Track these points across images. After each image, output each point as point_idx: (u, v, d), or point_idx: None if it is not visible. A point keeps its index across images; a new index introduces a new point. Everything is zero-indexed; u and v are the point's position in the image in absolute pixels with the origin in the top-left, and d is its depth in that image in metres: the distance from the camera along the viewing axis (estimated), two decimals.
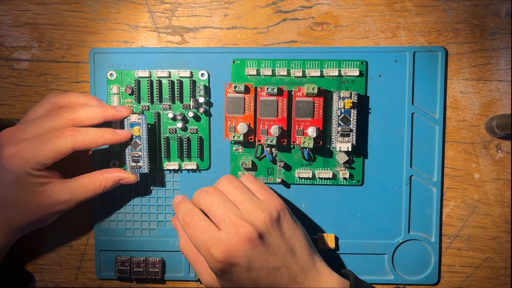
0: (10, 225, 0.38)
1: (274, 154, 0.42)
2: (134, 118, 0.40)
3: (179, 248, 0.40)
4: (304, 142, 0.40)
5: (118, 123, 0.41)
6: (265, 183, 0.43)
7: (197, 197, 0.38)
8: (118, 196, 0.43)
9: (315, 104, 0.40)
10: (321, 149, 0.42)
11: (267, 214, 0.36)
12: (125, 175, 0.40)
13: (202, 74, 0.42)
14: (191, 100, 0.42)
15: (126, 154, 0.40)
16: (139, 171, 0.41)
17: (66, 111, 0.38)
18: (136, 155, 0.40)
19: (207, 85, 0.42)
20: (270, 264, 0.35)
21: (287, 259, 0.36)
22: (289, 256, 0.36)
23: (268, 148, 0.42)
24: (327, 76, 0.41)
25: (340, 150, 0.41)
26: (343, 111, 0.40)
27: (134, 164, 0.40)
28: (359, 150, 0.42)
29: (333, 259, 0.43)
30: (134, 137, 0.40)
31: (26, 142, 0.37)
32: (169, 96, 0.42)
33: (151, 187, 0.43)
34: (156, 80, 0.42)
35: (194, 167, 0.42)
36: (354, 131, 0.40)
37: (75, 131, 0.37)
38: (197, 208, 0.38)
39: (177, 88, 0.42)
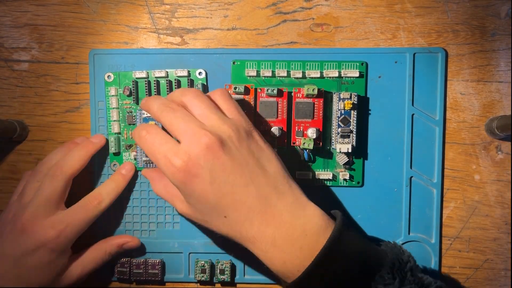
0: None
1: None
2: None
3: (154, 191, 0.39)
4: (304, 143, 0.40)
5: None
6: None
7: (159, 113, 0.35)
8: (117, 198, 0.43)
9: (315, 105, 0.40)
10: (321, 150, 0.42)
11: (233, 130, 0.33)
12: (128, 239, 0.42)
13: (199, 73, 0.42)
14: None
15: (139, 149, 0.41)
16: (152, 165, 0.41)
17: (58, 173, 0.39)
18: None
19: (205, 83, 0.42)
20: (236, 179, 0.32)
21: (256, 177, 0.33)
22: (259, 173, 0.33)
23: None
24: (327, 77, 0.41)
25: (340, 151, 0.41)
26: (343, 112, 0.40)
27: (146, 159, 0.41)
28: (359, 151, 0.42)
29: None
30: None
31: (63, 223, 0.38)
32: None
33: (151, 188, 0.43)
34: (154, 81, 0.42)
35: None
36: (354, 132, 0.40)
37: (100, 200, 0.40)
38: (153, 123, 0.37)
39: (175, 88, 0.42)
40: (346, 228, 0.33)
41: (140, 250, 0.43)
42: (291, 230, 0.32)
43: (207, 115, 0.34)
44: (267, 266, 0.34)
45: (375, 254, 0.34)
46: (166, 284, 0.44)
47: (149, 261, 0.43)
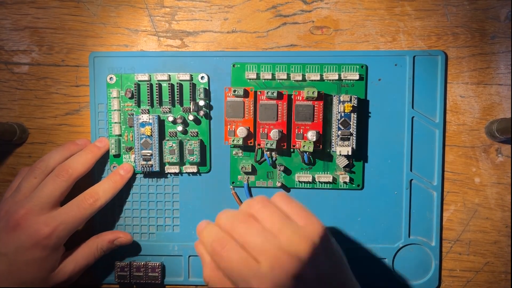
0: None
1: (274, 158, 0.42)
2: (145, 118, 0.41)
3: (203, 278, 0.34)
4: (304, 146, 0.40)
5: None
6: (265, 188, 0.43)
7: (230, 225, 0.33)
8: (117, 201, 0.43)
9: (315, 108, 0.40)
10: (321, 153, 0.42)
11: (310, 244, 0.32)
12: (120, 235, 0.42)
13: (202, 77, 0.42)
14: (191, 103, 0.42)
15: (136, 153, 0.41)
16: (150, 169, 0.41)
17: (63, 174, 0.39)
18: (148, 154, 0.41)
19: (207, 88, 0.42)
20: None
21: (341, 285, 0.32)
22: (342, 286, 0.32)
23: (268, 152, 0.42)
24: (327, 80, 0.41)
25: (340, 154, 0.41)
26: (343, 115, 0.40)
27: (144, 162, 0.41)
28: (359, 154, 0.42)
29: None
30: (145, 136, 0.41)
31: (57, 220, 0.38)
32: (169, 100, 0.42)
33: (151, 191, 0.43)
34: (156, 84, 0.42)
35: (195, 170, 0.42)
36: (354, 135, 0.40)
37: (96, 198, 0.40)
38: (226, 235, 0.33)
39: (177, 91, 0.42)
40: None
41: (135, 249, 0.43)
42: None
43: (280, 228, 0.32)
44: None
45: None
46: (166, 287, 0.44)
47: (149, 264, 0.42)
